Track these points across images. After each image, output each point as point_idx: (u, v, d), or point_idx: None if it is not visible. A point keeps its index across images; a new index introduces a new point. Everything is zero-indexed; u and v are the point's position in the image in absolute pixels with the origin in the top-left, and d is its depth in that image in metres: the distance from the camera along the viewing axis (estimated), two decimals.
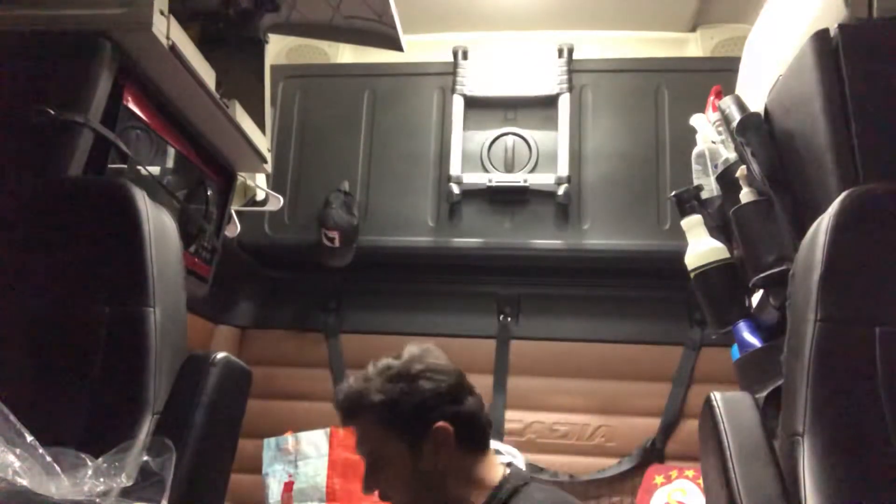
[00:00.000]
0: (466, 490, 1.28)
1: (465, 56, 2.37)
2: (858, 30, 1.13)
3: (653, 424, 2.19)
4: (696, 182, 1.50)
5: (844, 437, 0.92)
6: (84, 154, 1.25)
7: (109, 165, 1.32)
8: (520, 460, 2.11)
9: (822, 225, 1.00)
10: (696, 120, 1.54)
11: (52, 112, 1.21)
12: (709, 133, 1.49)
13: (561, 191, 2.21)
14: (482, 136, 2.34)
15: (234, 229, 2.04)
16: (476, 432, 1.33)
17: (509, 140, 2.32)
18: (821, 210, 1.03)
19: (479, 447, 1.33)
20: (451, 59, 2.38)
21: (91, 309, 1.08)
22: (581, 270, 2.33)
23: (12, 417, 0.85)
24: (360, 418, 1.32)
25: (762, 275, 1.26)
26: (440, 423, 1.26)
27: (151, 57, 1.36)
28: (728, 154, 1.42)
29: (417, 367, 1.30)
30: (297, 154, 2.37)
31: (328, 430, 2.14)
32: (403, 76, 2.40)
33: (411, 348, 1.35)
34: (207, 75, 1.53)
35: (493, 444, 2.10)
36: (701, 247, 1.43)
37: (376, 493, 1.32)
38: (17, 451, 0.82)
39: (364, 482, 1.32)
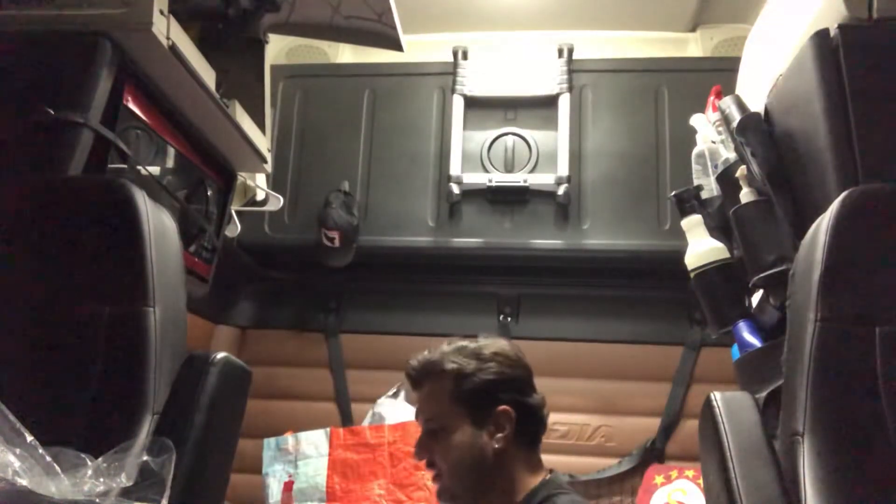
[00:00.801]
0: (510, 483, 1.30)
1: (465, 56, 2.37)
2: (858, 30, 1.13)
3: (653, 424, 2.19)
4: (696, 182, 1.50)
5: (844, 437, 0.92)
6: (84, 154, 1.25)
7: (109, 165, 1.32)
8: None
9: (822, 225, 1.00)
10: (696, 120, 1.54)
11: (52, 112, 1.21)
12: (709, 133, 1.49)
13: (561, 191, 2.21)
14: (482, 136, 2.34)
15: (234, 229, 2.04)
16: (534, 428, 1.36)
17: (509, 140, 2.32)
18: (821, 210, 1.03)
19: (532, 445, 1.35)
20: (451, 59, 2.37)
21: (91, 309, 1.08)
22: (581, 270, 2.33)
23: (12, 417, 0.85)
24: (430, 384, 1.35)
25: (762, 275, 1.26)
26: (505, 406, 1.30)
27: (151, 57, 1.36)
28: (728, 154, 1.42)
29: (492, 350, 1.35)
30: (297, 154, 2.36)
31: (328, 430, 2.14)
32: (403, 76, 2.40)
33: (484, 337, 1.41)
34: (207, 75, 1.53)
35: None
36: (701, 247, 1.43)
37: (423, 461, 1.35)
38: (17, 451, 0.82)
39: (417, 447, 1.35)
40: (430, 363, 1.35)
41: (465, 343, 1.38)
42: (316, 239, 2.21)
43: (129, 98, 1.38)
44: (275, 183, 2.24)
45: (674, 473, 2.07)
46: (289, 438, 2.16)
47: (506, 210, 2.27)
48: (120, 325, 1.07)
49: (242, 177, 1.99)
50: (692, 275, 1.43)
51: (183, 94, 1.52)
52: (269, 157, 1.91)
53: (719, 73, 1.80)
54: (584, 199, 2.24)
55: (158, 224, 1.15)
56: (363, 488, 2.04)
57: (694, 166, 1.51)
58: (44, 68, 1.28)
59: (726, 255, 1.41)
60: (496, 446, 1.28)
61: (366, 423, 2.18)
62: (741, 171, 1.34)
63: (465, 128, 2.32)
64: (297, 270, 2.46)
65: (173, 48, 1.36)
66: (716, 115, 1.45)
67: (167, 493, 0.92)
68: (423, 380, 1.37)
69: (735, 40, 2.34)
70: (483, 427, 1.29)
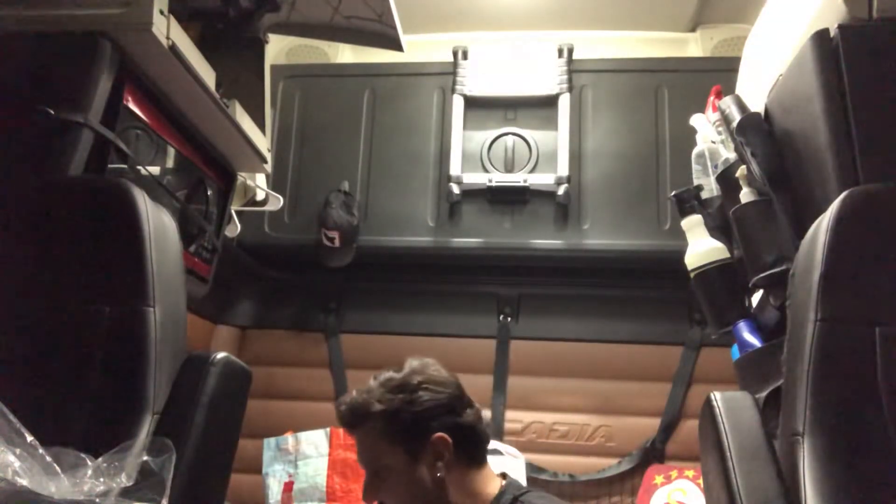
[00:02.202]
0: (464, 502, 1.30)
1: (465, 56, 2.37)
2: (858, 30, 1.13)
3: (653, 424, 2.19)
4: (696, 182, 1.50)
5: (844, 437, 0.92)
6: (84, 154, 1.25)
7: (109, 165, 1.32)
8: (520, 460, 2.11)
9: (822, 225, 1.00)
10: (696, 120, 1.54)
11: (52, 112, 1.21)
12: (709, 133, 1.49)
13: (561, 191, 2.21)
14: (482, 136, 2.34)
15: (234, 229, 2.04)
16: (474, 444, 1.36)
17: (509, 140, 2.33)
18: (821, 210, 1.03)
19: (476, 459, 1.35)
20: (451, 59, 2.38)
21: (91, 309, 1.08)
22: (581, 270, 2.33)
23: (12, 417, 0.85)
24: (362, 428, 1.34)
25: (762, 275, 1.26)
26: (439, 434, 1.29)
27: (151, 57, 1.36)
28: (728, 154, 1.41)
29: (417, 379, 1.34)
30: (297, 154, 2.37)
31: (328, 430, 2.14)
32: (403, 76, 2.40)
33: (412, 361, 1.39)
34: (207, 75, 1.52)
35: (494, 443, 2.11)
36: (701, 247, 1.43)
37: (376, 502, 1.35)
38: (17, 451, 0.82)
39: (364, 491, 1.35)
40: (359, 407, 1.33)
41: (390, 375, 1.36)
42: (316, 239, 2.22)
43: (129, 98, 1.38)
44: (275, 183, 2.25)
45: (674, 473, 2.07)
46: (289, 438, 2.16)
47: (506, 210, 2.28)
48: (120, 325, 1.07)
49: (242, 177, 1.99)
50: (692, 275, 1.43)
51: (183, 94, 1.52)
52: (269, 157, 1.91)
53: (719, 73, 1.80)
54: (584, 199, 2.24)
55: (158, 224, 1.15)
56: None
57: (694, 166, 1.51)
58: (44, 68, 1.28)
59: (726, 255, 1.41)
60: (438, 475, 1.28)
61: None
62: (741, 171, 1.34)
63: (465, 128, 2.32)
64: (297, 270, 2.46)
65: (173, 48, 1.36)
66: (716, 115, 1.45)
67: (167, 493, 0.92)
68: (356, 424, 1.35)
69: (735, 40, 2.34)
70: (421, 459, 1.29)
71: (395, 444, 1.30)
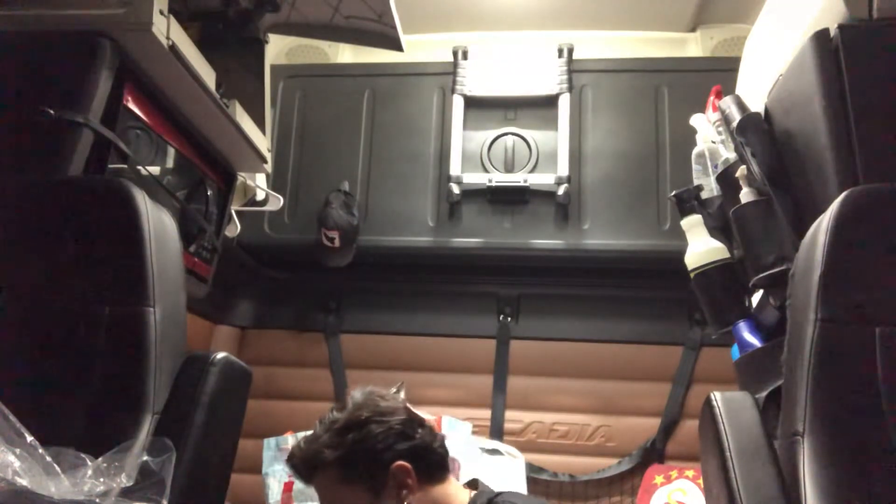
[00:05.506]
0: None
1: (465, 56, 2.37)
2: (858, 30, 1.13)
3: (653, 424, 2.19)
4: (696, 182, 1.50)
5: (844, 437, 0.92)
6: (84, 154, 1.25)
7: (109, 165, 1.32)
8: (520, 460, 2.11)
9: (822, 225, 1.00)
10: (696, 120, 1.54)
11: (52, 112, 1.21)
12: (709, 133, 1.49)
13: (561, 191, 2.21)
14: (482, 136, 2.34)
15: (234, 229, 2.04)
16: (433, 463, 1.34)
17: (509, 140, 2.33)
18: (821, 210, 1.03)
19: (438, 477, 1.34)
20: (451, 59, 2.38)
21: (91, 309, 1.08)
22: (581, 270, 2.33)
23: (12, 417, 0.85)
24: (318, 477, 1.32)
25: (762, 275, 1.26)
26: (398, 463, 1.27)
27: (151, 57, 1.36)
28: (728, 154, 1.42)
29: (364, 414, 1.31)
30: (297, 154, 2.37)
31: None
32: (403, 76, 2.40)
33: (355, 395, 1.36)
34: (207, 75, 1.53)
35: (493, 443, 2.12)
36: (701, 247, 1.43)
37: None
38: (17, 451, 0.82)
39: None
40: (311, 458, 1.31)
41: (334, 416, 1.33)
42: (316, 239, 2.21)
43: (129, 98, 1.38)
44: (275, 183, 2.25)
45: (674, 473, 2.07)
46: (289, 438, 2.16)
47: (506, 210, 2.27)
48: (120, 325, 1.07)
49: (242, 177, 1.99)
50: (692, 275, 1.43)
51: (183, 94, 1.52)
52: (269, 157, 1.91)
53: (719, 73, 1.80)
54: (584, 199, 2.24)
55: (158, 224, 1.15)
56: None
57: (694, 166, 1.51)
58: (44, 68, 1.28)
59: (726, 255, 1.41)
60: (405, 503, 1.27)
61: None
62: (741, 171, 1.34)
63: (465, 128, 2.32)
64: (297, 270, 2.46)
65: (173, 48, 1.36)
66: (716, 115, 1.45)
67: (167, 493, 0.92)
68: (311, 475, 1.33)
69: (735, 40, 2.34)
70: (385, 492, 1.27)
71: (355, 484, 1.28)
